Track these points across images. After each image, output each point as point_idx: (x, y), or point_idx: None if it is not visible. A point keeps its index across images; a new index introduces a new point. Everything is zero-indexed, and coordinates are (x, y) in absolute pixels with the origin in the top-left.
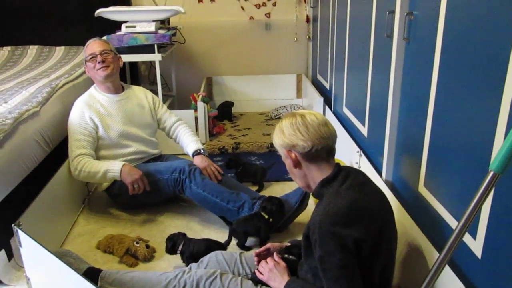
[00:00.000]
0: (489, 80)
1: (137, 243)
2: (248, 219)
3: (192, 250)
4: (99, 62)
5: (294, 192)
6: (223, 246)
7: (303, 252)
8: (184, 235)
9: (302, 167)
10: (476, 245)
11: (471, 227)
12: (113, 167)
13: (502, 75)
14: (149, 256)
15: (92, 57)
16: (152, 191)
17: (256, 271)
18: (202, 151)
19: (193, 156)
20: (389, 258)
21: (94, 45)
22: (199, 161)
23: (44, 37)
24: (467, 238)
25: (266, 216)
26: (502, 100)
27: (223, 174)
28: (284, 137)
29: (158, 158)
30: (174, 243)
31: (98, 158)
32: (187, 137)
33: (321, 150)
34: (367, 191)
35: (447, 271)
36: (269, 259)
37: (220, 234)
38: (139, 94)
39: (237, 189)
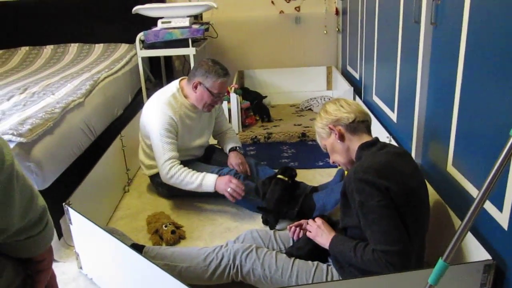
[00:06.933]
0: None
1: (166, 226)
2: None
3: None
4: (216, 103)
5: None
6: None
7: (341, 212)
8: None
9: (345, 139)
10: (502, 217)
11: (497, 200)
12: (207, 182)
13: None
14: (171, 241)
15: (218, 96)
16: (195, 192)
17: (305, 227)
18: (238, 148)
19: (229, 152)
20: (420, 230)
21: (225, 86)
22: (233, 157)
23: (83, 35)
24: (493, 210)
25: (286, 178)
26: None
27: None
28: (328, 114)
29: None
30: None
31: None
32: (229, 137)
33: (362, 124)
34: (404, 161)
35: (474, 242)
36: (317, 218)
37: (255, 215)
38: None
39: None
